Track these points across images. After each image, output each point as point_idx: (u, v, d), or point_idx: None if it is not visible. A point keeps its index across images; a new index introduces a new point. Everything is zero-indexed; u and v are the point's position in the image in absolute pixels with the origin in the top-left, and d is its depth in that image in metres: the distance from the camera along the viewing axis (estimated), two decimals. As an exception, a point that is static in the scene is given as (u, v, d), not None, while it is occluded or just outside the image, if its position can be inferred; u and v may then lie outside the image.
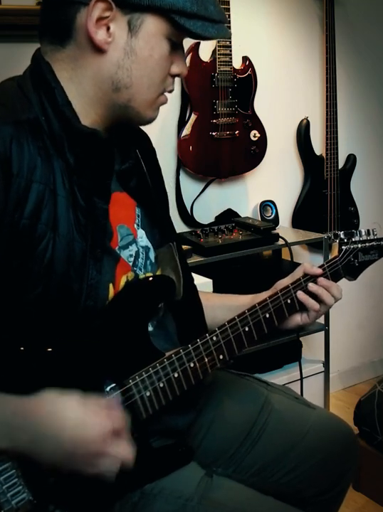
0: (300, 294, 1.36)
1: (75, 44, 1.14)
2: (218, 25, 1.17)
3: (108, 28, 1.12)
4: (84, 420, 1.05)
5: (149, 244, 1.31)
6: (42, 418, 1.04)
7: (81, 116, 1.16)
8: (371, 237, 1.47)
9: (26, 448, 1.03)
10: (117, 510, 1.17)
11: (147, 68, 1.16)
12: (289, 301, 1.35)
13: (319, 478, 1.44)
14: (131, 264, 1.25)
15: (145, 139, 1.41)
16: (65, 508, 1.09)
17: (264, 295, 1.37)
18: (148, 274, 1.29)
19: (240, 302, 1.42)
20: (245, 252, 2.43)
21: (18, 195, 1.07)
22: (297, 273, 1.39)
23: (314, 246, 2.90)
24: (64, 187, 1.12)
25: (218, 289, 2.23)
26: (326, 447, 1.45)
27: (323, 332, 2.72)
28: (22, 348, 1.10)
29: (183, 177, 2.62)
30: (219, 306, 1.46)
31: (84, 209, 1.14)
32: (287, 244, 2.50)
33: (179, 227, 2.54)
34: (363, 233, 1.47)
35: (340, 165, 2.98)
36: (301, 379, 2.38)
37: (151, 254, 1.31)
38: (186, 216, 2.64)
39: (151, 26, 1.13)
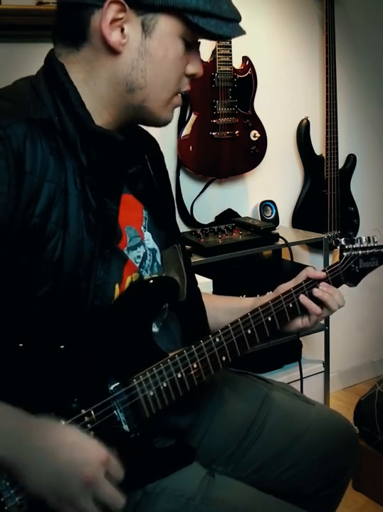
0: (303, 298, 1.36)
1: (90, 46, 1.15)
2: (233, 23, 1.17)
3: (122, 30, 1.12)
4: (83, 442, 1.06)
5: (156, 247, 1.31)
6: (43, 433, 1.05)
7: (94, 117, 1.16)
8: (372, 244, 1.48)
9: (22, 461, 1.02)
10: (119, 509, 1.17)
11: (161, 68, 1.16)
12: (291, 305, 1.36)
13: (319, 474, 1.44)
14: (138, 265, 1.25)
15: (154, 144, 1.41)
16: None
17: (266, 298, 1.37)
18: (154, 276, 1.29)
19: (243, 305, 1.43)
20: (245, 252, 2.43)
21: (31, 193, 1.07)
22: (301, 277, 1.40)
23: (314, 246, 2.90)
24: (76, 187, 1.13)
25: (218, 289, 2.23)
26: (326, 443, 1.45)
27: (323, 332, 2.72)
28: (20, 345, 1.10)
29: (183, 177, 2.62)
30: (221, 309, 1.46)
31: (95, 209, 1.15)
32: (287, 244, 2.50)
33: (179, 227, 2.54)
34: (364, 240, 1.48)
35: (340, 165, 2.98)
36: (301, 379, 2.37)
37: (158, 256, 1.32)
38: (186, 216, 2.64)
39: (165, 26, 1.13)
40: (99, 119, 1.17)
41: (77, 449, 1.05)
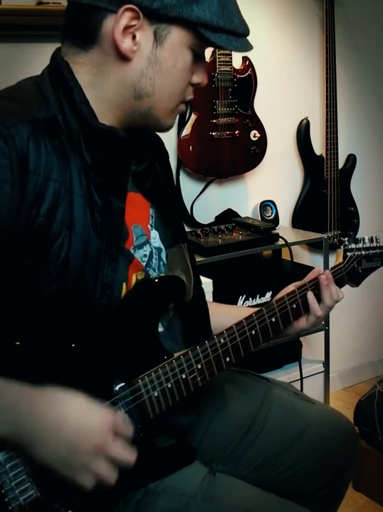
0: (309, 295, 1.37)
1: (99, 50, 1.14)
2: (242, 38, 1.18)
3: (134, 37, 1.12)
4: (87, 410, 1.07)
5: (162, 246, 1.32)
6: (46, 406, 1.05)
7: (99, 117, 1.16)
8: (375, 244, 1.49)
9: (27, 436, 1.04)
10: (121, 508, 1.17)
11: (169, 78, 1.17)
12: (294, 306, 1.36)
13: (320, 473, 1.44)
14: (144, 264, 1.25)
15: (159, 142, 1.42)
16: (71, 506, 1.09)
17: None
18: (160, 275, 1.29)
19: (247, 311, 1.42)
20: (245, 252, 2.43)
21: (35, 192, 1.07)
22: (305, 279, 1.41)
23: (314, 246, 2.90)
24: (81, 185, 1.13)
25: (218, 289, 2.23)
26: (326, 442, 1.46)
27: (323, 332, 2.72)
28: (17, 343, 1.10)
29: (183, 177, 2.62)
30: (227, 314, 1.46)
31: (100, 207, 1.14)
32: (287, 244, 2.50)
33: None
34: (367, 240, 1.48)
35: (340, 165, 2.98)
36: (301, 379, 2.38)
37: (163, 255, 1.32)
38: (186, 216, 2.64)
39: (177, 37, 1.13)
40: (103, 120, 1.17)
41: (83, 418, 1.06)
